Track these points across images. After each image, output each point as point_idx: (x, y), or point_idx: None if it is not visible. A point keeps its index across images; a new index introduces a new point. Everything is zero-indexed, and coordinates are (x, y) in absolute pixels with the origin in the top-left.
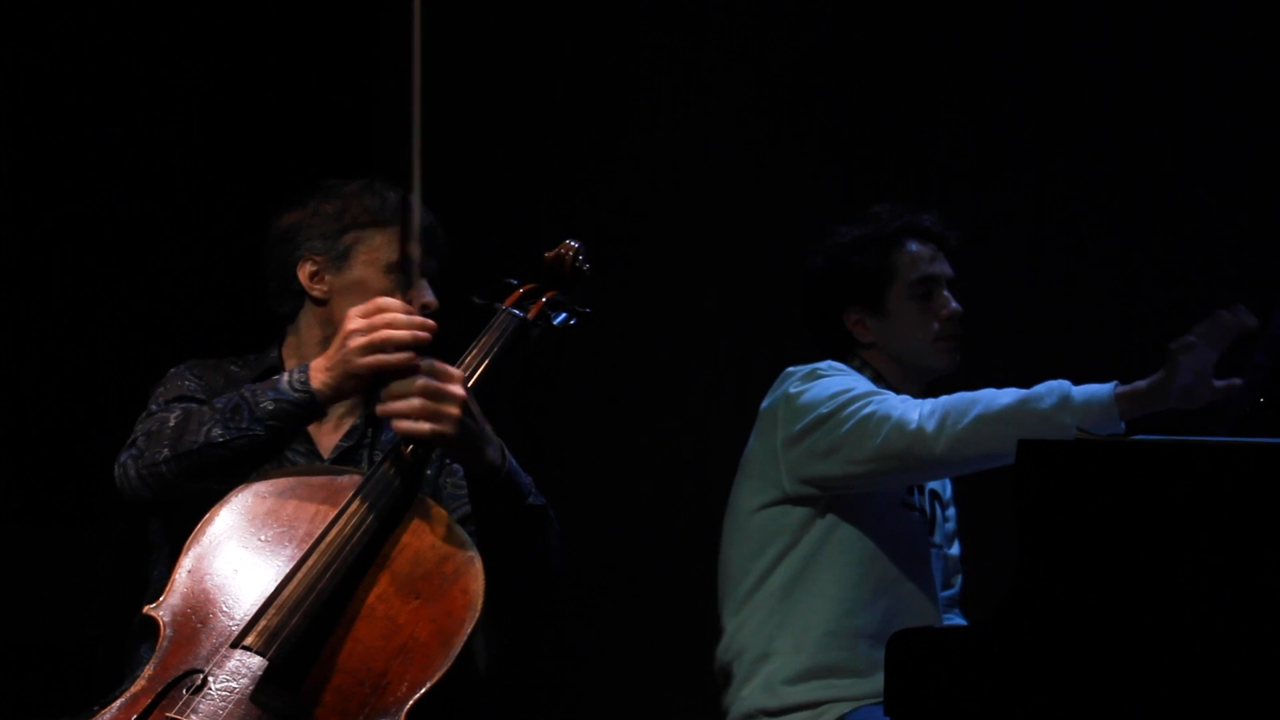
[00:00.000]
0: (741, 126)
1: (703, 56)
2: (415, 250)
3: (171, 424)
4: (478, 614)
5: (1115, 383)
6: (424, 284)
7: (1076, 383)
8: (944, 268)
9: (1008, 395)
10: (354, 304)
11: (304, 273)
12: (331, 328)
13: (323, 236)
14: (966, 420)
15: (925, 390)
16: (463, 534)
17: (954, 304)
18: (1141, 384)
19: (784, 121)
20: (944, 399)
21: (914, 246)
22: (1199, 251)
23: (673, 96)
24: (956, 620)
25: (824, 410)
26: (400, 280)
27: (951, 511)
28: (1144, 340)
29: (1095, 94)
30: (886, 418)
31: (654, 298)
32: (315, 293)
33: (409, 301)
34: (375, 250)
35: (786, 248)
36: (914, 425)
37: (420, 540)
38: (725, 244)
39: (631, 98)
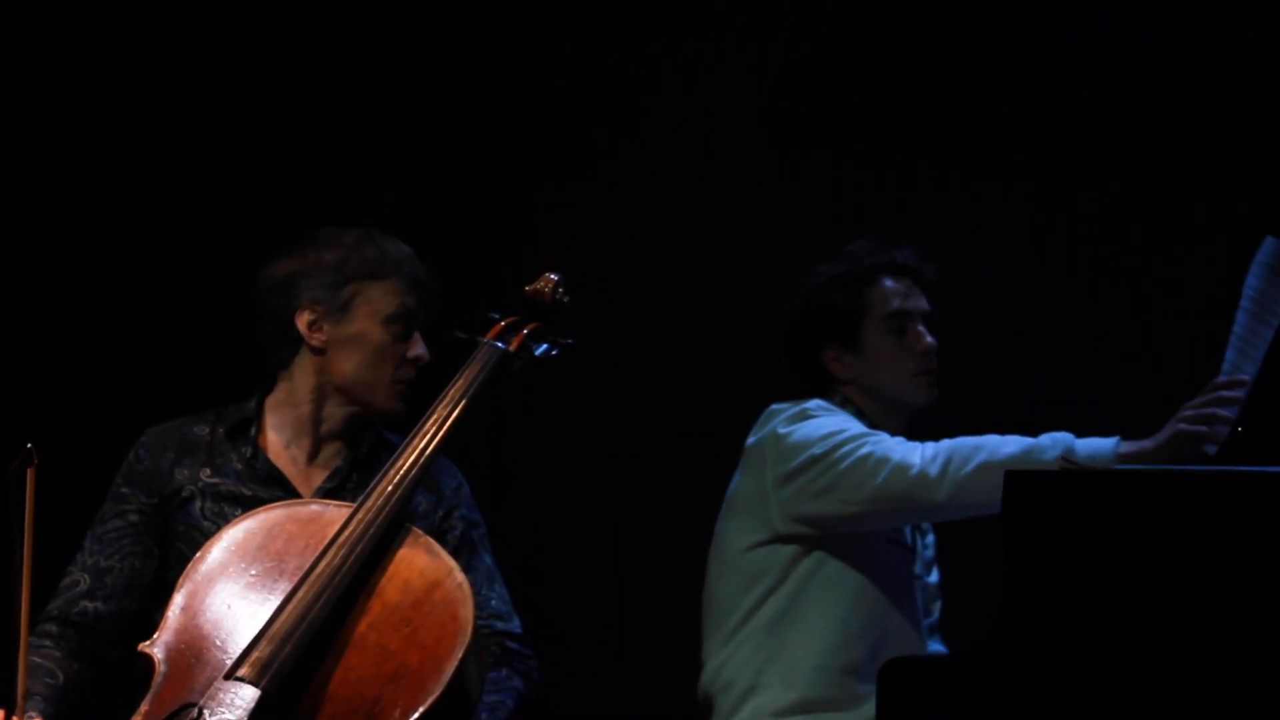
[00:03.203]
0: (747, 143)
1: (704, 72)
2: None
3: None
4: (468, 639)
5: (1118, 439)
6: (416, 336)
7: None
8: (919, 303)
9: (1012, 444)
10: (352, 354)
11: (302, 321)
12: (327, 377)
13: (323, 287)
14: (970, 467)
15: (906, 424)
16: (451, 561)
17: (929, 338)
18: (1147, 443)
19: (791, 137)
20: (946, 443)
21: (888, 283)
22: (1195, 271)
23: (676, 109)
24: (937, 647)
25: (817, 450)
26: (397, 332)
27: (930, 539)
28: (1130, 367)
29: (1097, 101)
30: (886, 459)
31: (633, 329)
32: (314, 342)
33: (404, 354)
34: (375, 302)
35: (767, 284)
36: (916, 469)
37: (409, 569)
38: (706, 278)
39: (633, 112)
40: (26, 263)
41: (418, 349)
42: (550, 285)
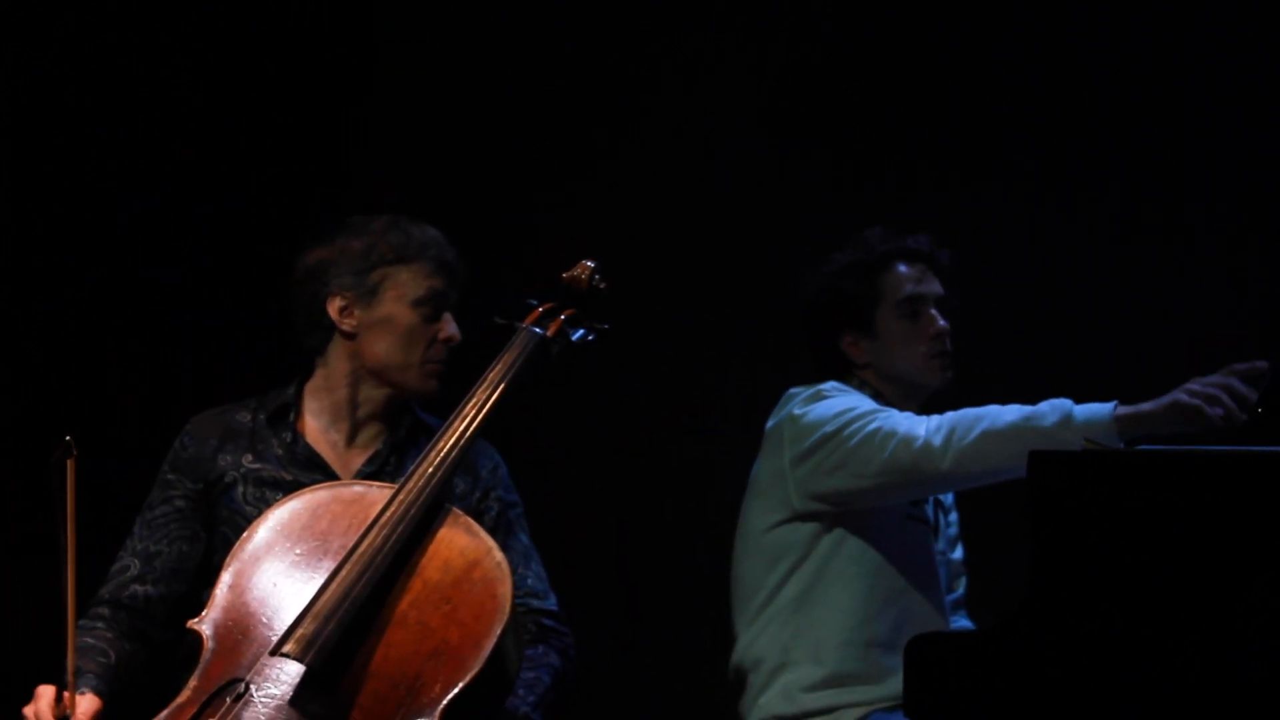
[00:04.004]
0: (747, 143)
1: (704, 72)
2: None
3: None
4: (506, 616)
5: (1116, 402)
6: (447, 317)
7: (1078, 394)
8: (932, 287)
9: (1012, 412)
10: (382, 337)
11: (333, 308)
12: (360, 360)
13: (351, 273)
14: (972, 436)
15: (923, 407)
16: (489, 540)
17: (941, 321)
18: (1144, 406)
19: (791, 136)
20: (950, 414)
21: (901, 268)
22: (1196, 261)
23: (676, 109)
24: (963, 622)
25: (830, 428)
26: (426, 314)
27: (954, 517)
28: (1140, 346)
29: (1095, 100)
30: (893, 433)
31: (660, 315)
32: (345, 327)
33: (434, 335)
34: (402, 286)
35: (767, 283)
36: (921, 440)
37: (449, 548)
38: (732, 263)
39: (633, 112)
40: (27, 263)
41: (448, 329)
42: (587, 272)
